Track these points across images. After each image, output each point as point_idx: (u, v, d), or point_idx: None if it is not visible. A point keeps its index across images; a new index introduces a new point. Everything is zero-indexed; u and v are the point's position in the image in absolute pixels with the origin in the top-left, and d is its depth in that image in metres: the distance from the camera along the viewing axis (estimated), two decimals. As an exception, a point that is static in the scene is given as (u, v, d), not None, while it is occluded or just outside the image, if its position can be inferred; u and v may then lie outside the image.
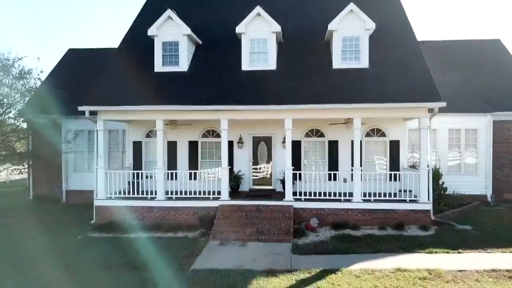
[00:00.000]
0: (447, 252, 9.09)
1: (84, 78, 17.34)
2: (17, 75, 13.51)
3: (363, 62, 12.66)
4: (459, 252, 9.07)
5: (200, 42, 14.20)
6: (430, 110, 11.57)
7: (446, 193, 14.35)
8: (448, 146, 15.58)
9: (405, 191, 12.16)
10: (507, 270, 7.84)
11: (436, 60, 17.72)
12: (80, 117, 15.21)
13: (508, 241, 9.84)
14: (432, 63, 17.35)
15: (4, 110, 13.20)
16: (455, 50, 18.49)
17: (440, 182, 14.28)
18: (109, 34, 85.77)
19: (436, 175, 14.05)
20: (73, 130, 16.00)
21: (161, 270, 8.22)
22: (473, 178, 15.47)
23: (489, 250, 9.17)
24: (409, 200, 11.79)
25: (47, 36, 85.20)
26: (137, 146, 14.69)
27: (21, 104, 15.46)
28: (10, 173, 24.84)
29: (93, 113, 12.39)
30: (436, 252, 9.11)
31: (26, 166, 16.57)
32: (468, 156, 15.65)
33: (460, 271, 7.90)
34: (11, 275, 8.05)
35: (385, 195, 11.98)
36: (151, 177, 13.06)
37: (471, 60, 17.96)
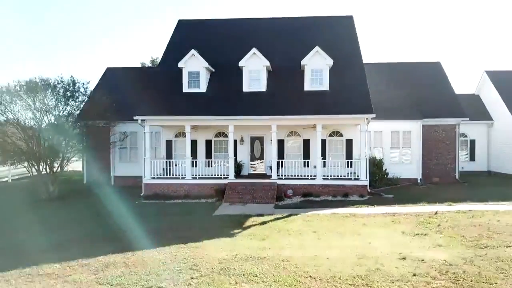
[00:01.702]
0: (367, 207, 15.07)
1: (123, 92, 23.20)
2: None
3: (325, 86, 18.61)
4: (374, 206, 15.05)
5: (214, 70, 20.14)
6: (368, 119, 17.52)
7: (388, 177, 20.41)
8: (391, 144, 21.56)
9: (353, 173, 18.16)
10: (393, 212, 13.81)
11: (384, 77, 23.69)
12: (125, 122, 21.33)
13: (409, 201, 15.83)
14: (381, 80, 23.41)
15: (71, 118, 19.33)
16: (400, 70, 24.40)
17: (384, 169, 20.30)
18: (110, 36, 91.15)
19: (379, 164, 20.05)
20: (120, 132, 22.00)
21: (196, 216, 14.20)
22: (408, 166, 21.47)
23: (392, 205, 15.14)
24: (354, 179, 17.79)
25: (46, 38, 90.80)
26: (168, 143, 20.67)
27: (77, 112, 21.32)
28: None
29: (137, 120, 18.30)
30: (360, 207, 15.07)
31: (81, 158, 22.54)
32: (405, 151, 21.63)
33: (368, 214, 13.85)
34: (108, 223, 13.92)
35: (340, 176, 17.95)
36: (178, 165, 18.98)
37: (413, 78, 23.89)
